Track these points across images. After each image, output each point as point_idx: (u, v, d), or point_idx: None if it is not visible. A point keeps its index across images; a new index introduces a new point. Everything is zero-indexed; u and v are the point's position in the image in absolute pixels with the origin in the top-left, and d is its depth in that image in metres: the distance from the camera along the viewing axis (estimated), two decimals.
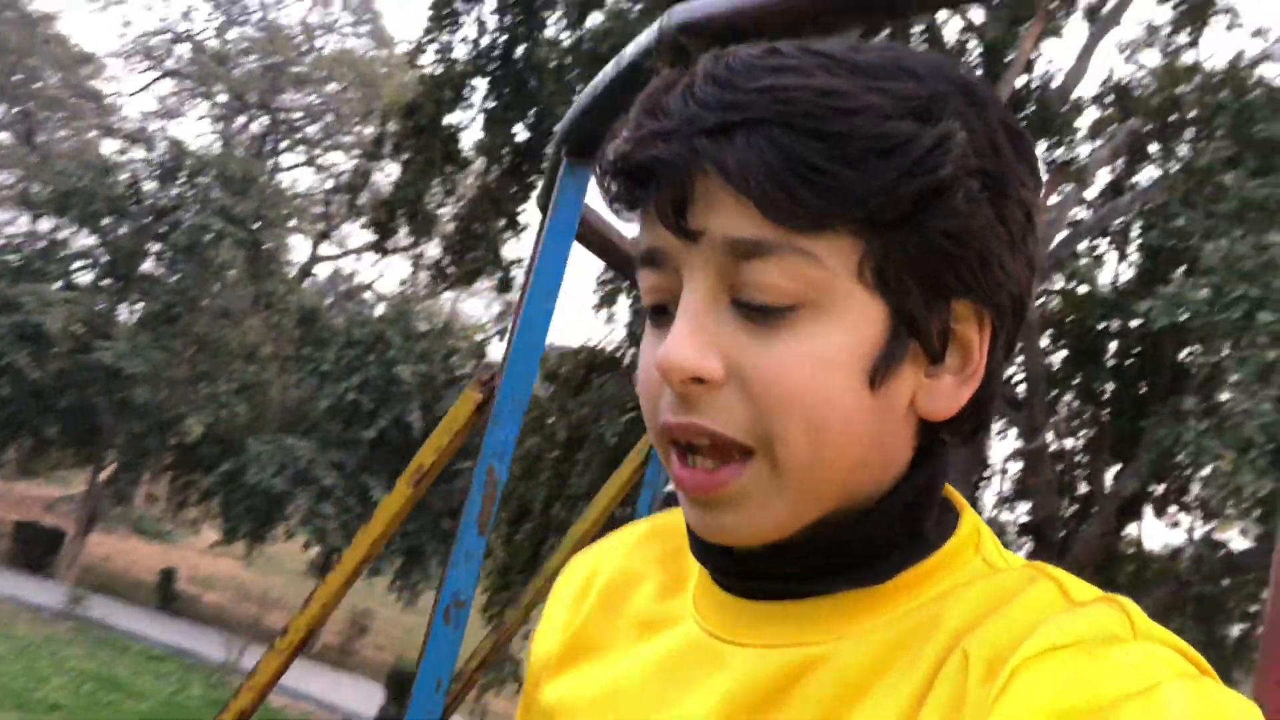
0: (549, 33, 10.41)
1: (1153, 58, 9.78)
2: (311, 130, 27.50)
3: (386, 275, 48.69)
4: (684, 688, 0.60)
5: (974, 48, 9.20)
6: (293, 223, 21.86)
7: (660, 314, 0.58)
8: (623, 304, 11.04)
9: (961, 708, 0.50)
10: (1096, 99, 9.94)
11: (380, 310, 20.71)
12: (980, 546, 0.59)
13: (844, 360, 0.54)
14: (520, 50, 10.67)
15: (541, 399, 10.88)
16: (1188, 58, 9.28)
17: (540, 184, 1.99)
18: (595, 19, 9.77)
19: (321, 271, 26.72)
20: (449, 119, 11.19)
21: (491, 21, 10.84)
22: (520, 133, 11.18)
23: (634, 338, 11.19)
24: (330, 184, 26.47)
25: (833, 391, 0.54)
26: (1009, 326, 0.59)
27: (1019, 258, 0.57)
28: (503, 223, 11.85)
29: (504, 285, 13.03)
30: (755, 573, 0.59)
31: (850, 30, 1.22)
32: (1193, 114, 8.71)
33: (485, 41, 10.90)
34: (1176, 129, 9.14)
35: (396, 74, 23.23)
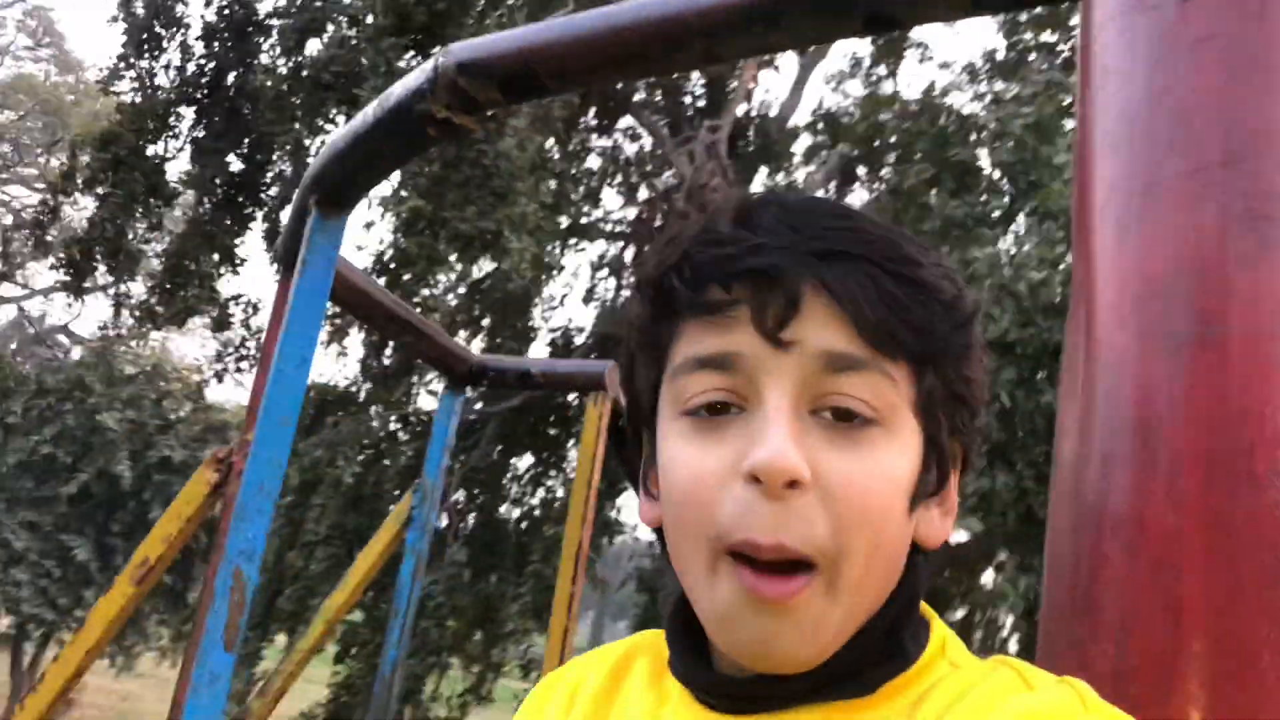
0: (264, 59, 9.83)
1: (856, 88, 10.51)
2: None
3: (84, 316, 44.66)
4: None
5: (697, 78, 9.52)
6: None
7: (716, 413, 0.59)
8: (354, 338, 10.59)
9: None
10: (809, 126, 10.57)
11: (77, 354, 18.83)
12: (947, 652, 0.63)
13: (904, 481, 0.59)
14: (232, 77, 10.01)
15: None
16: (887, 87, 10.03)
17: (281, 237, 1.75)
18: (315, 46, 9.33)
19: (3, 315, 24.05)
20: (152, 150, 10.31)
21: (198, 47, 10.10)
22: (234, 163, 10.48)
23: (367, 371, 10.73)
24: (10, 220, 23.85)
25: (895, 510, 0.59)
26: (972, 465, 0.66)
27: None
28: (217, 257, 11.05)
29: (220, 324, 12.17)
30: (748, 694, 0.61)
31: (642, 77, 1.11)
32: (894, 140, 9.40)
33: (191, 68, 10.14)
34: (881, 154, 9.84)
35: (86, 101, 21.25)
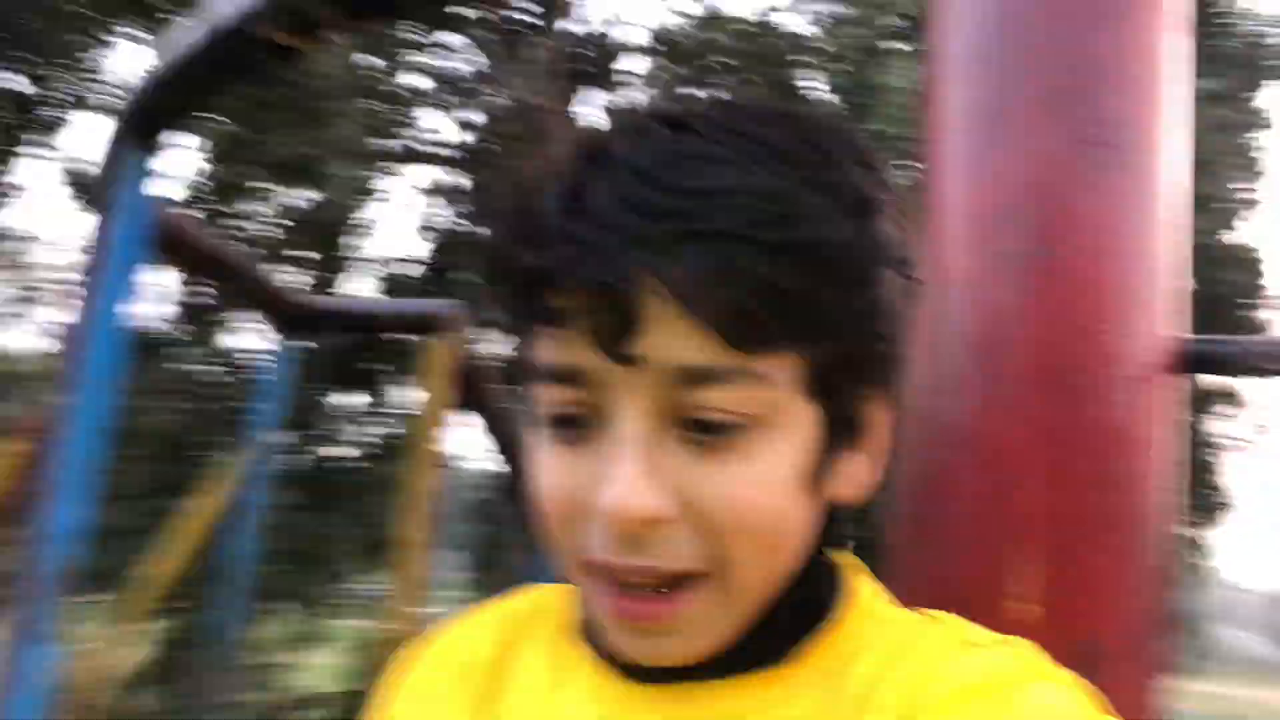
0: None
1: (690, 6, 10.39)
2: None
3: None
4: None
5: None
6: None
7: (569, 425, 0.53)
8: (164, 274, 9.94)
9: None
10: (641, 48, 10.45)
11: None
12: (866, 604, 0.59)
13: (792, 474, 0.52)
14: None
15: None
16: (720, 4, 9.97)
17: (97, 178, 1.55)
18: None
19: None
20: None
21: None
22: (22, 85, 9.52)
23: (188, 311, 10.11)
24: None
25: (785, 508, 0.52)
26: (901, 396, 0.59)
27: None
28: None
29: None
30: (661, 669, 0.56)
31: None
32: (729, 62, 9.43)
33: None
34: (715, 76, 9.84)
35: None
